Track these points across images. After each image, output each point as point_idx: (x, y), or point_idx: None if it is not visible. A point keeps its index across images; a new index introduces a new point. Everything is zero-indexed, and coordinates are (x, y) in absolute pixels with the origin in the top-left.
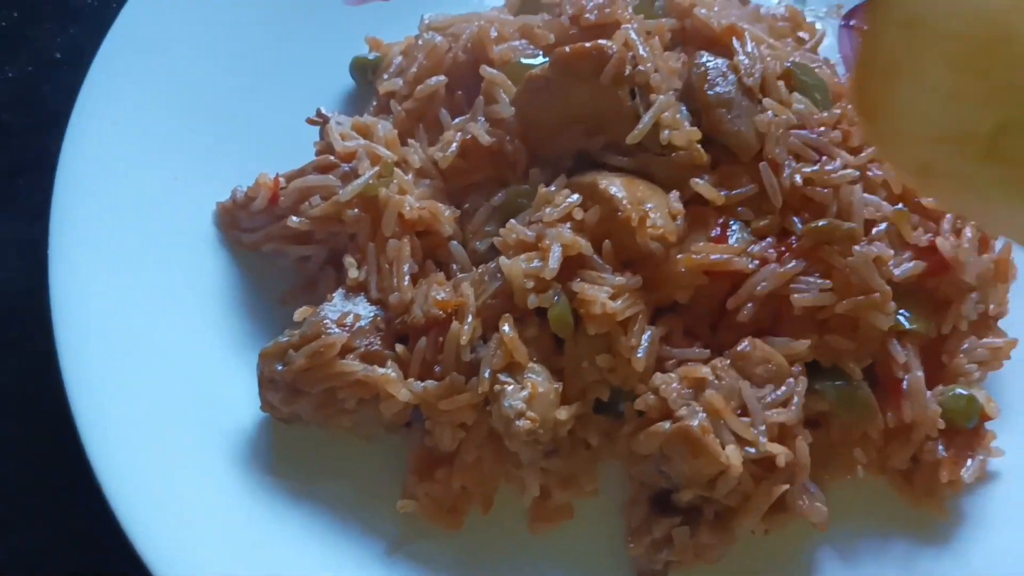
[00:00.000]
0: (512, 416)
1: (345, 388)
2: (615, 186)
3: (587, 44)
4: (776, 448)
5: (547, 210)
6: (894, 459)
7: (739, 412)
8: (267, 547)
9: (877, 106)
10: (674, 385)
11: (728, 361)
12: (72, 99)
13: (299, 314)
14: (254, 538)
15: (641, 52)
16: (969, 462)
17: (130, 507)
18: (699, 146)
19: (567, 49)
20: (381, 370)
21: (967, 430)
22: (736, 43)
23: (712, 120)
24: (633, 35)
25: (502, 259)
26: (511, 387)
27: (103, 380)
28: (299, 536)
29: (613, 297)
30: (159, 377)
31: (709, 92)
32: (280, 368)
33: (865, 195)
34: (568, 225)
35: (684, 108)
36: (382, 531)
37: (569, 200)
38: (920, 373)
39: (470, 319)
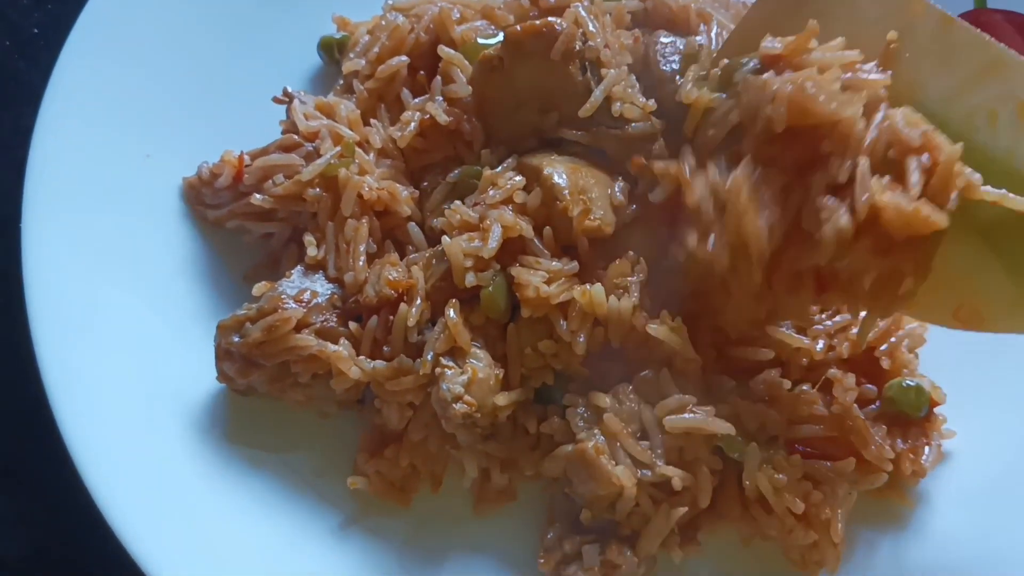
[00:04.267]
0: (449, 399)
1: (299, 362)
2: (557, 173)
3: (537, 22)
4: (672, 471)
5: (490, 192)
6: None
7: (638, 436)
8: (221, 515)
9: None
10: (579, 410)
11: (631, 387)
12: (47, 76)
13: (257, 289)
14: (210, 506)
15: (591, 28)
16: (926, 449)
17: (96, 470)
18: (653, 117)
19: (518, 28)
20: (333, 347)
21: (920, 419)
22: (702, 27)
23: (663, 94)
24: (583, 12)
25: (444, 238)
26: (451, 371)
27: (72, 347)
28: (252, 507)
29: (548, 282)
30: (124, 345)
31: (663, 67)
32: (237, 340)
33: None
34: (511, 207)
35: (636, 83)
36: (336, 505)
37: (512, 182)
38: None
39: (418, 302)
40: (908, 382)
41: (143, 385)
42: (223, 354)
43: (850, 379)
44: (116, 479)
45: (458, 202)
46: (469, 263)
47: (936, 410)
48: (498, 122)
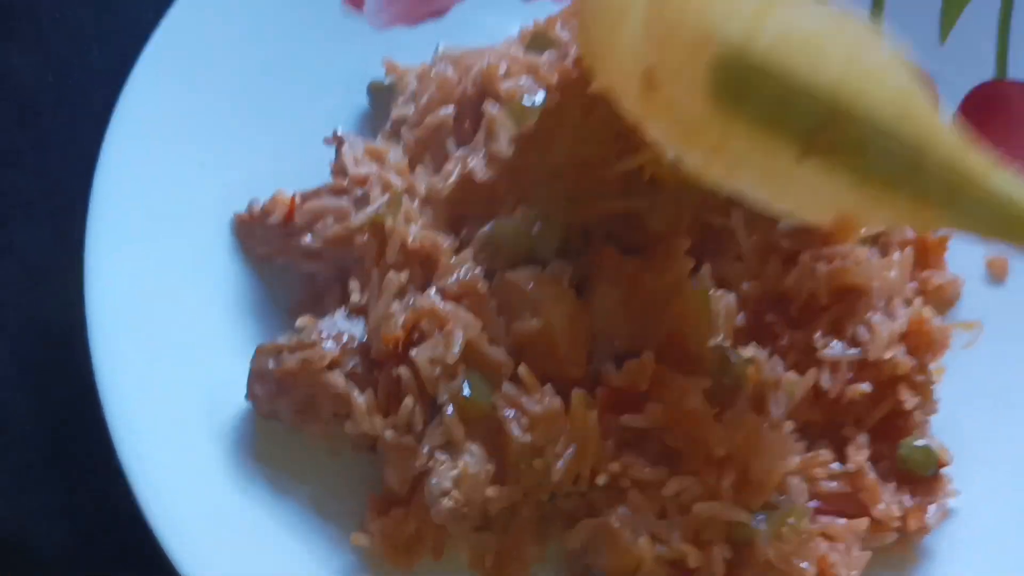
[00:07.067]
0: (438, 494)
1: (324, 399)
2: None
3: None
4: (688, 548)
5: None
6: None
7: (660, 513)
8: (245, 525)
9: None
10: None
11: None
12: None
13: (301, 321)
14: (236, 514)
15: None
16: (931, 508)
17: (139, 468)
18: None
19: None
20: (358, 394)
21: (928, 478)
22: None
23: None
24: None
25: (412, 351)
26: (443, 465)
27: (128, 360)
28: (267, 528)
29: (531, 428)
30: (172, 357)
31: None
32: (272, 365)
33: None
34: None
35: None
36: (341, 552)
37: (471, 276)
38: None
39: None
40: (918, 443)
41: (185, 394)
42: (257, 375)
43: (863, 438)
44: (157, 480)
45: (432, 295)
46: (437, 371)
47: (943, 470)
48: (536, 199)
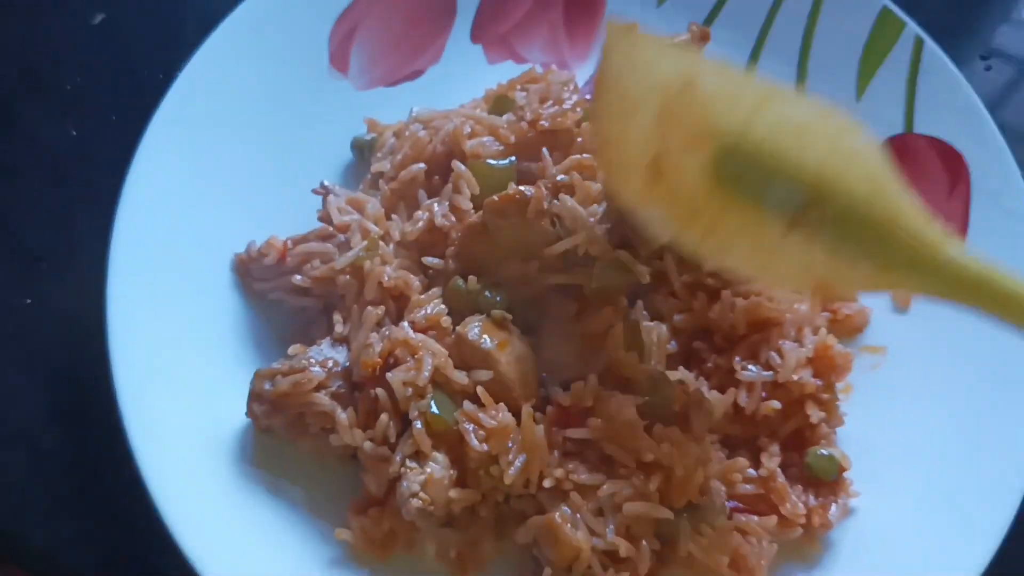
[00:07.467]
0: (408, 495)
1: (312, 416)
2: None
3: (510, 191)
4: (620, 541)
5: (419, 313)
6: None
7: (597, 512)
8: (253, 528)
9: (609, 139)
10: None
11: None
12: (127, 159)
13: (292, 349)
14: (240, 513)
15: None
16: (833, 507)
17: (158, 477)
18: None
19: (495, 198)
20: (341, 412)
21: (831, 482)
22: None
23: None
24: (544, 190)
25: (387, 375)
26: (413, 471)
27: (145, 382)
28: (263, 523)
29: (483, 441)
30: (186, 382)
31: None
32: (268, 387)
33: None
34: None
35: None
36: (328, 545)
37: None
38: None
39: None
40: (823, 451)
41: (194, 411)
42: (255, 396)
43: (775, 448)
44: (170, 485)
45: (405, 327)
46: (409, 392)
47: (844, 474)
48: (487, 273)
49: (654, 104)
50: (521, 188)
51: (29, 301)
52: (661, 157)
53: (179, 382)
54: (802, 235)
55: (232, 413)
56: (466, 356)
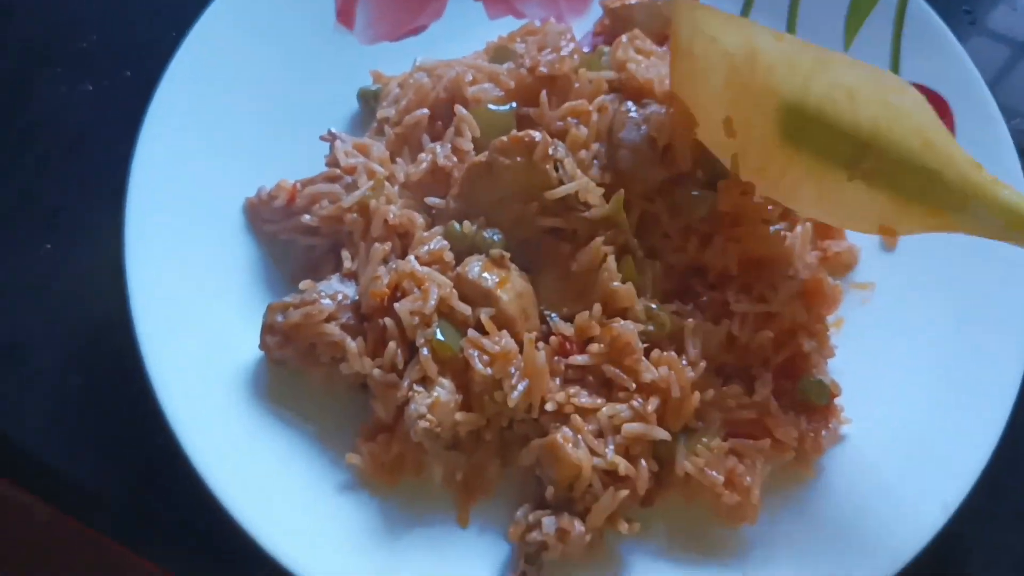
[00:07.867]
0: (416, 417)
1: (323, 346)
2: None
3: (519, 133)
4: (619, 460)
5: (423, 249)
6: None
7: (597, 434)
8: (261, 448)
9: (687, 97)
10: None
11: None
12: (141, 111)
13: (303, 284)
14: (256, 441)
15: (560, 151)
16: (825, 432)
17: (178, 408)
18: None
19: (505, 139)
20: (350, 341)
21: (823, 407)
22: None
23: (614, 158)
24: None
25: (395, 305)
26: (420, 395)
27: (164, 319)
28: (276, 452)
29: (487, 366)
30: (203, 318)
31: (620, 135)
32: (280, 319)
33: None
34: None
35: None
36: (339, 470)
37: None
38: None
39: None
40: (814, 378)
41: (211, 345)
42: (268, 328)
43: (768, 377)
44: (190, 416)
45: (411, 259)
46: (416, 321)
47: (836, 401)
48: (487, 213)
49: (723, 70)
50: (531, 132)
51: (49, 246)
52: (731, 118)
53: (195, 320)
54: (861, 183)
55: (246, 348)
56: (468, 295)
